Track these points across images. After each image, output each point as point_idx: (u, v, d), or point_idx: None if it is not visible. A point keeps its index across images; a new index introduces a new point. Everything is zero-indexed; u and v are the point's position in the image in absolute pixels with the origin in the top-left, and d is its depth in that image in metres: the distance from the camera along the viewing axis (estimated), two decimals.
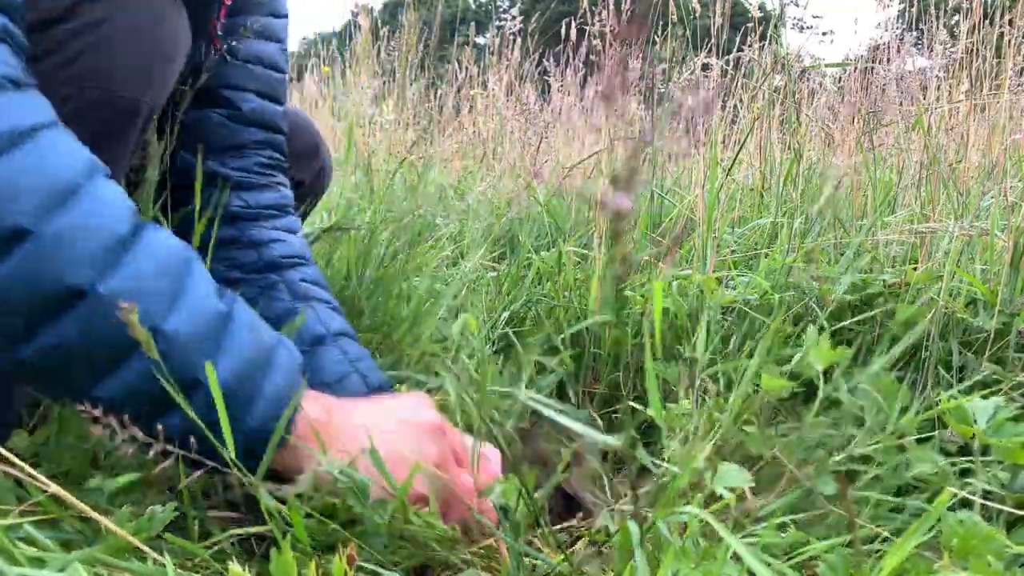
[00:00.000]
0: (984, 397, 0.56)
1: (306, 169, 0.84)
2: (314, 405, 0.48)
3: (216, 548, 0.45)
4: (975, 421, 0.53)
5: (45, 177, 0.39)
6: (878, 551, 0.50)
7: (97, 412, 0.39)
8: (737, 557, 0.41)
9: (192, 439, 0.42)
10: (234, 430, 0.42)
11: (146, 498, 0.48)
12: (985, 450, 0.54)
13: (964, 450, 0.57)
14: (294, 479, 0.45)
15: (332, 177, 0.91)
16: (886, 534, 0.52)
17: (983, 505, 0.51)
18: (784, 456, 0.56)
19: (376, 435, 0.47)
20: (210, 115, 0.70)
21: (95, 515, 0.37)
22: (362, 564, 0.43)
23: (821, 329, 0.74)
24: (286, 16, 0.76)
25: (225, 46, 0.67)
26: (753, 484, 0.46)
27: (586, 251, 1.04)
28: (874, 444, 0.56)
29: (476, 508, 0.49)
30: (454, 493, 0.50)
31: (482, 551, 0.48)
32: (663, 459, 0.50)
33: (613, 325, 0.82)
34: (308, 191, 0.86)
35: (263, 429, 0.44)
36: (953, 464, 0.55)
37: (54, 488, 0.37)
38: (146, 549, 0.37)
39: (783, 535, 0.48)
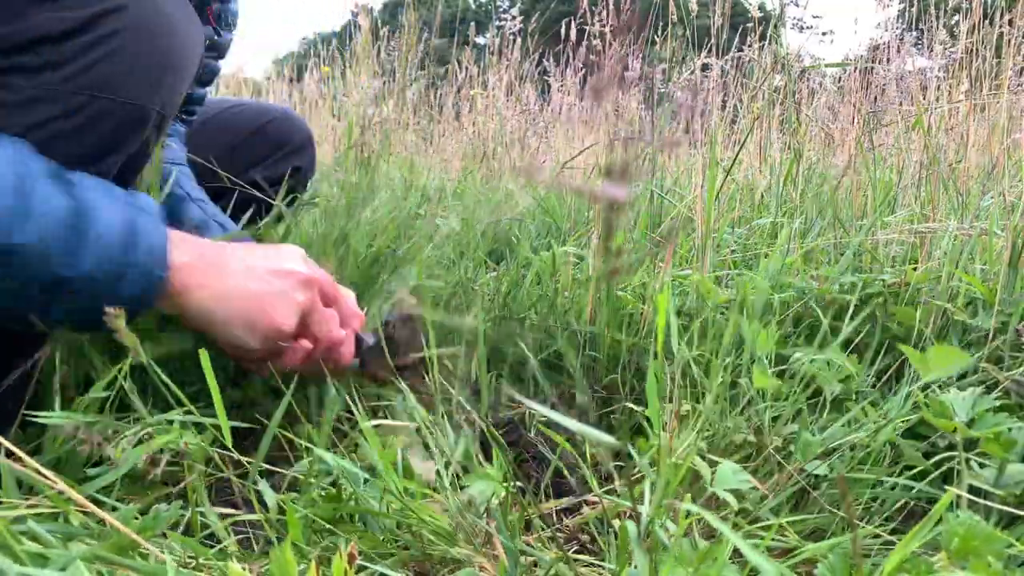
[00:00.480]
0: (961, 389, 0.57)
1: (304, 156, 1.02)
2: (186, 249, 0.52)
3: (218, 548, 0.45)
4: (955, 415, 0.53)
5: None
6: (877, 550, 0.50)
7: (82, 434, 0.40)
8: (737, 557, 0.41)
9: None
10: (112, 302, 0.45)
11: (148, 495, 0.48)
12: (970, 444, 0.54)
13: (952, 447, 0.57)
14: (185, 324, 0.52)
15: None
16: (885, 535, 0.52)
17: (975, 502, 0.51)
18: (767, 437, 0.56)
19: (251, 276, 0.54)
20: None
21: (101, 513, 0.37)
22: (363, 564, 0.43)
23: (821, 330, 0.74)
24: None
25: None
26: (751, 485, 0.47)
27: (585, 252, 1.04)
28: (867, 434, 0.56)
29: (339, 343, 0.60)
30: (321, 333, 0.59)
31: (480, 549, 0.48)
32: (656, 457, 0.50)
33: (611, 327, 0.82)
34: (305, 173, 1.03)
35: (140, 295, 0.49)
36: (938, 465, 0.55)
37: (61, 485, 0.37)
38: (149, 547, 0.37)
39: (783, 538, 0.48)
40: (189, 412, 0.51)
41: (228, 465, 0.50)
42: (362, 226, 0.88)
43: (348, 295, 0.67)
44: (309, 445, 0.53)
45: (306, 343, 0.59)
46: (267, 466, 0.52)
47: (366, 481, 0.49)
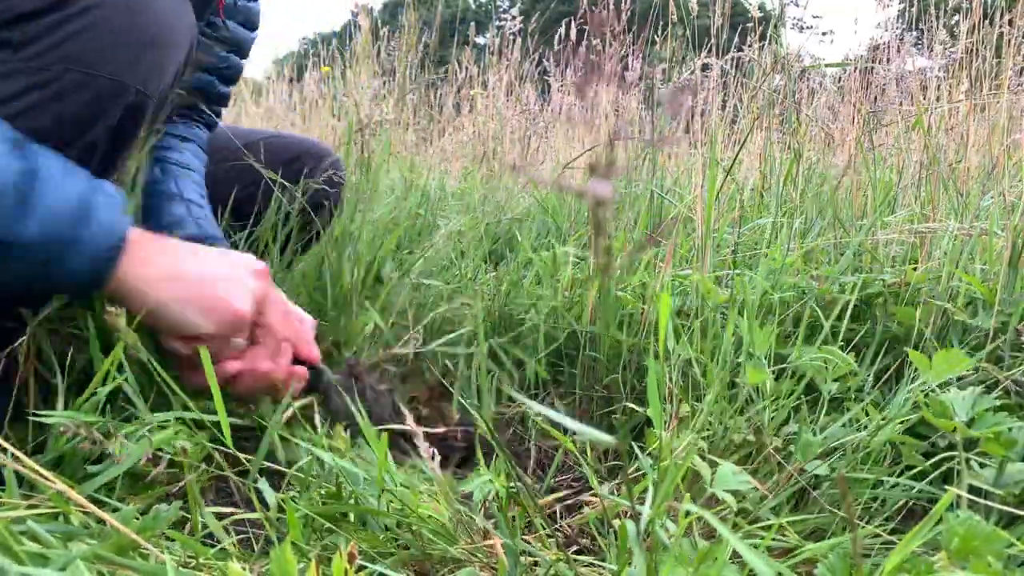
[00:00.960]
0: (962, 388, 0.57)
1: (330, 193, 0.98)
2: (141, 234, 0.52)
3: (218, 548, 0.45)
4: (955, 414, 0.53)
5: None
6: (877, 550, 0.50)
7: (83, 431, 0.40)
8: (738, 557, 0.41)
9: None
10: (61, 275, 0.46)
11: (148, 495, 0.48)
12: (970, 444, 0.54)
13: (952, 446, 0.57)
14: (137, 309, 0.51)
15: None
16: (885, 535, 0.52)
17: (975, 502, 0.51)
18: (767, 436, 0.56)
19: (204, 260, 0.54)
20: None
21: (101, 513, 0.37)
22: (362, 564, 0.43)
23: (821, 329, 0.74)
24: None
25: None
26: (751, 486, 0.46)
27: (586, 252, 1.04)
28: (871, 435, 0.56)
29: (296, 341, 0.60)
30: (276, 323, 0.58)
31: (480, 550, 0.48)
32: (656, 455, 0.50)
33: (611, 327, 0.82)
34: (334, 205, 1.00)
35: (89, 270, 0.48)
36: (938, 465, 0.55)
37: (59, 485, 0.37)
38: (149, 547, 0.37)
39: (783, 538, 0.48)
40: (187, 408, 0.51)
41: (228, 464, 0.50)
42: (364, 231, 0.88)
43: (306, 318, 0.66)
44: (309, 446, 0.53)
45: (261, 335, 0.59)
46: (267, 463, 0.52)
47: (365, 480, 0.49)
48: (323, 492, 0.49)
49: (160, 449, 0.48)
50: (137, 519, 0.40)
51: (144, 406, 0.52)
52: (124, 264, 0.50)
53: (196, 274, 0.54)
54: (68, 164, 0.49)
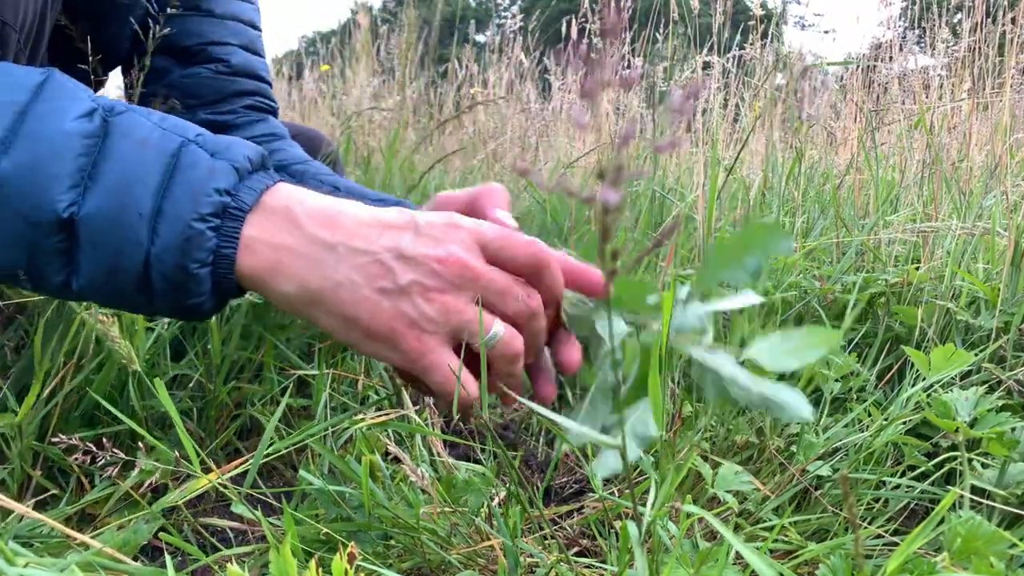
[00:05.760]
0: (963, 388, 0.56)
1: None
2: (282, 196, 0.40)
3: (218, 554, 0.44)
4: (957, 415, 0.53)
5: None
6: (879, 551, 0.50)
7: (75, 439, 0.39)
8: (740, 558, 0.40)
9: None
10: (139, 261, 0.37)
11: (131, 512, 0.48)
12: (973, 444, 0.54)
13: (954, 447, 0.57)
14: (266, 291, 0.39)
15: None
16: (887, 536, 0.51)
17: (978, 502, 0.51)
18: (769, 437, 0.55)
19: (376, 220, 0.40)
20: (200, 71, 0.75)
21: (81, 536, 0.36)
22: (361, 564, 0.43)
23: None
24: None
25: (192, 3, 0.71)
26: (753, 487, 0.46)
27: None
28: (871, 434, 0.56)
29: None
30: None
31: (478, 553, 0.48)
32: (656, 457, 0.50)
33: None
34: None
35: (172, 251, 0.37)
36: (940, 465, 0.55)
37: (33, 513, 0.37)
38: (128, 561, 0.37)
39: (785, 538, 0.47)
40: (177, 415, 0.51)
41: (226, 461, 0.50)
42: None
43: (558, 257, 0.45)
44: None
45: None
46: (268, 458, 0.52)
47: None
48: (316, 515, 0.48)
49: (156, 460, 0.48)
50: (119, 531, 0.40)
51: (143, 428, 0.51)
52: (250, 233, 0.39)
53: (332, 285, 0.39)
54: (161, 119, 0.40)
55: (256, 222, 0.39)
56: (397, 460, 0.45)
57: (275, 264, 0.39)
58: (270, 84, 0.83)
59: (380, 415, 0.48)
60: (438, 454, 0.56)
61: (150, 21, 0.66)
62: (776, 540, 0.49)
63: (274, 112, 0.84)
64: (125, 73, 0.75)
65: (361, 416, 0.53)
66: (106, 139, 0.38)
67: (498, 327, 0.41)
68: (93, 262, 0.37)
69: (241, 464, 0.46)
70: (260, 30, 0.82)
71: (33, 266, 0.38)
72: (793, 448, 0.58)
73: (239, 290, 0.40)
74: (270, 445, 0.46)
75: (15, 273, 0.38)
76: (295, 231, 0.39)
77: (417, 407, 0.61)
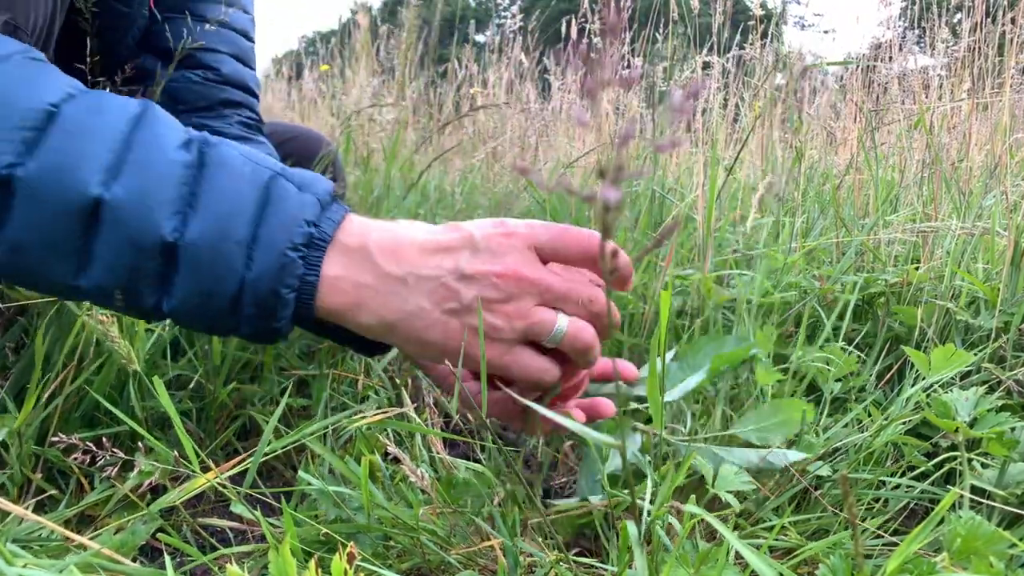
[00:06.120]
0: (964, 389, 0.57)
1: (341, 180, 0.98)
2: (339, 249, 0.43)
3: (217, 553, 0.44)
4: (957, 415, 0.53)
5: None
6: (879, 551, 0.50)
7: (74, 439, 0.39)
8: (740, 557, 0.40)
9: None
10: (235, 286, 0.40)
11: (130, 514, 0.48)
12: (972, 445, 0.54)
13: (954, 447, 0.57)
14: (345, 321, 0.43)
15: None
16: (887, 536, 0.51)
17: (978, 502, 0.51)
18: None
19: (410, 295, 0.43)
20: (190, 76, 0.74)
21: (78, 538, 0.36)
22: (361, 564, 0.43)
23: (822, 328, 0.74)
24: None
25: (185, 8, 0.70)
26: (754, 487, 0.46)
27: None
28: (871, 434, 0.56)
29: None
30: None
31: (478, 553, 0.48)
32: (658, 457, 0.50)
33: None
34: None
35: (268, 277, 0.40)
36: (940, 465, 0.55)
37: (31, 515, 0.37)
38: (126, 562, 0.37)
39: (784, 538, 0.47)
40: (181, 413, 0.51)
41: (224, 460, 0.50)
42: None
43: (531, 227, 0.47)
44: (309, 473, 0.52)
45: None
46: (267, 457, 0.52)
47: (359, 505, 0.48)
48: (315, 515, 0.48)
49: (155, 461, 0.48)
50: (116, 535, 0.40)
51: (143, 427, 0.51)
52: (327, 269, 0.42)
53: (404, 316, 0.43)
54: (250, 154, 0.43)
55: (338, 260, 0.43)
56: (397, 460, 0.45)
57: (357, 300, 0.43)
58: (258, 97, 0.82)
59: (378, 413, 0.48)
60: (438, 453, 0.56)
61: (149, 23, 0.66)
62: (776, 539, 0.49)
63: (261, 128, 0.83)
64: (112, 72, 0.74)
65: (360, 415, 0.53)
66: (203, 169, 0.40)
67: (561, 323, 0.45)
68: (190, 285, 0.40)
69: (239, 463, 0.46)
70: (253, 41, 0.81)
71: (131, 288, 0.40)
72: (793, 448, 0.58)
73: (312, 316, 0.43)
74: (268, 444, 0.46)
75: (111, 293, 0.40)
76: (373, 269, 0.43)
77: (416, 405, 0.61)
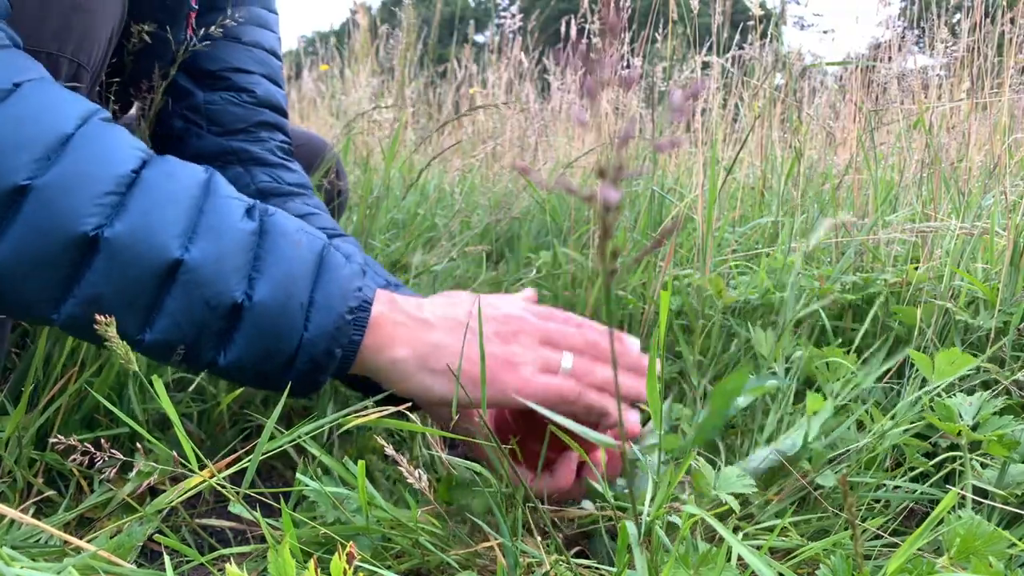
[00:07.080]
0: (968, 392, 0.56)
1: (343, 182, 1.00)
2: (378, 301, 0.49)
3: (216, 553, 0.44)
4: (960, 418, 0.53)
5: (37, 130, 0.39)
6: (879, 552, 0.50)
7: (73, 441, 0.40)
8: (740, 558, 0.40)
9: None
10: (294, 344, 0.44)
11: (128, 516, 0.48)
12: (973, 446, 0.54)
13: (954, 447, 0.57)
14: (382, 382, 0.48)
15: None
16: (887, 536, 0.51)
17: (978, 501, 0.51)
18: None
19: (460, 330, 0.49)
20: (228, 97, 0.73)
21: (76, 541, 0.36)
22: (360, 564, 0.43)
23: (823, 329, 0.74)
24: (276, 13, 0.81)
25: (220, 29, 0.69)
26: (754, 488, 0.46)
27: (586, 252, 1.04)
28: (870, 437, 0.56)
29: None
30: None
31: (477, 553, 0.48)
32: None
33: (611, 326, 0.82)
34: (342, 200, 1.00)
35: (326, 337, 0.45)
36: (940, 466, 0.55)
37: (30, 519, 0.37)
38: (124, 564, 0.36)
39: (784, 539, 0.47)
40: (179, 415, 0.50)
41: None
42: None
43: (630, 341, 0.54)
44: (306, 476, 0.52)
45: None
46: (266, 455, 0.52)
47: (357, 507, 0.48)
48: (313, 518, 0.48)
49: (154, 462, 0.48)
50: (113, 537, 0.40)
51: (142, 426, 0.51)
52: (372, 329, 0.48)
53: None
54: (302, 224, 0.48)
55: (376, 308, 0.48)
56: (396, 461, 0.45)
57: (392, 335, 0.48)
58: (287, 116, 0.81)
59: (377, 411, 0.48)
60: (437, 453, 0.56)
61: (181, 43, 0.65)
62: (777, 540, 0.49)
63: (292, 152, 0.82)
64: (137, 89, 0.73)
65: (358, 414, 0.53)
66: (265, 236, 0.45)
67: (566, 362, 0.50)
68: (253, 343, 0.44)
69: (234, 461, 0.46)
70: (281, 60, 0.80)
71: (193, 343, 0.43)
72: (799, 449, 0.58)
73: (349, 368, 0.48)
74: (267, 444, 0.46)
75: (174, 347, 0.43)
76: (403, 311, 0.49)
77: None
